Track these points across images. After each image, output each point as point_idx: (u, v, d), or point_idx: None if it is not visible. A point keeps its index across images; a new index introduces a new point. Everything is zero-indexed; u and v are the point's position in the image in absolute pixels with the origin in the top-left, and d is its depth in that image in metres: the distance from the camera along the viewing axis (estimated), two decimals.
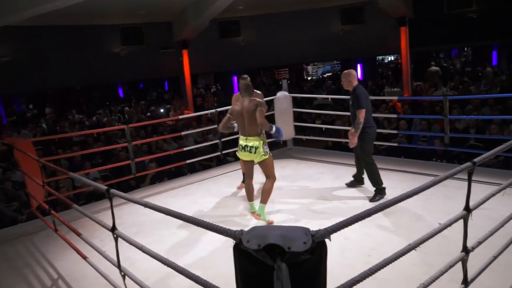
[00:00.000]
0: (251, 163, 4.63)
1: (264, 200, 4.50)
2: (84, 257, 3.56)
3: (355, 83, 4.98)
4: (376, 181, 4.94)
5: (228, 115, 4.66)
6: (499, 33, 12.43)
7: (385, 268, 1.95)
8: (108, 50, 13.29)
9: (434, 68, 14.21)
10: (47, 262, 4.19)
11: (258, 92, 5.38)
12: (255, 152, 4.43)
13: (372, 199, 4.84)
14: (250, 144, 4.44)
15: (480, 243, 2.63)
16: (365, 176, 5.24)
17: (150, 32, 13.53)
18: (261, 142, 4.45)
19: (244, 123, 4.47)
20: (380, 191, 4.92)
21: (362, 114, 4.79)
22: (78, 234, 3.63)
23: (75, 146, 8.91)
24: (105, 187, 2.85)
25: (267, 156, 4.47)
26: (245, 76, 5.18)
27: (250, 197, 4.70)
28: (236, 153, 4.74)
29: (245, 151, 4.50)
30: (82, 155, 7.90)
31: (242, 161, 4.78)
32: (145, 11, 12.26)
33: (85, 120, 12.70)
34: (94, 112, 13.85)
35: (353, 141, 4.89)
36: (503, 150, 2.83)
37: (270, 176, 4.55)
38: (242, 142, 4.53)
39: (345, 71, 5.15)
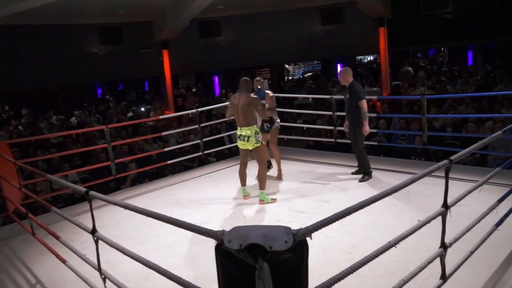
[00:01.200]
0: (247, 151, 5.15)
1: (262, 186, 5.03)
2: (63, 261, 3.49)
3: (351, 79, 5.57)
4: (365, 165, 5.64)
5: (229, 104, 5.26)
6: (473, 33, 12.73)
7: (366, 265, 1.98)
8: (86, 50, 13.06)
9: (406, 68, 14.58)
10: (25, 267, 4.10)
11: (270, 93, 5.84)
12: (248, 141, 4.96)
13: (361, 180, 5.57)
14: (243, 133, 4.98)
15: (457, 239, 2.70)
16: None
17: (129, 32, 13.35)
18: (253, 132, 4.95)
19: (239, 115, 4.97)
20: (368, 173, 5.63)
21: (364, 104, 5.41)
22: (57, 238, 3.56)
23: (53, 148, 8.73)
24: (84, 189, 2.81)
25: (259, 144, 4.99)
26: (258, 78, 5.97)
27: (243, 182, 5.24)
28: (237, 143, 5.26)
29: (240, 140, 5.05)
30: (60, 157, 7.75)
31: (241, 154, 5.25)
32: (123, 11, 12.10)
33: (64, 121, 12.45)
34: (71, 113, 13.61)
35: (365, 129, 5.49)
36: (479, 147, 2.90)
37: (261, 162, 5.05)
38: (238, 132, 5.06)
39: (343, 68, 5.82)
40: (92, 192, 2.75)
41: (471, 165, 6.44)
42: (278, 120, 6.09)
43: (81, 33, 12.87)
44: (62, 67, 12.49)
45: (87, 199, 2.77)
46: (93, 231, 2.85)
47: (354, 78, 5.68)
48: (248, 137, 4.94)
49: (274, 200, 5.10)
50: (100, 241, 2.83)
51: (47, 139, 9.51)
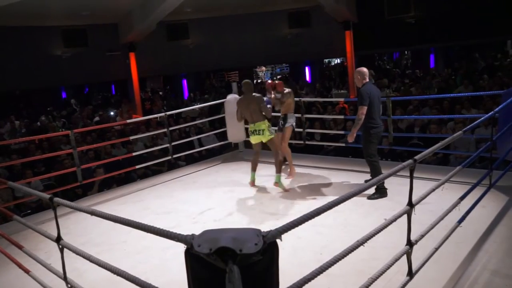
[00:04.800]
0: (260, 143, 5.63)
1: (278, 170, 5.49)
2: (27, 271, 3.36)
3: (364, 81, 4.98)
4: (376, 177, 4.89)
5: (237, 108, 5.71)
6: (434, 37, 13.24)
7: (336, 265, 2.01)
8: (49, 53, 12.65)
9: (371, 71, 14.91)
10: None
11: (287, 90, 6.04)
12: (263, 134, 5.46)
13: (369, 197, 4.84)
14: (257, 128, 5.46)
15: (422, 236, 2.78)
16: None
17: (94, 34, 13.05)
18: (266, 125, 5.45)
19: (249, 114, 5.50)
20: (380, 190, 4.86)
21: (361, 111, 4.81)
22: (20, 247, 3.42)
23: (15, 154, 8.40)
24: (48, 196, 2.72)
25: (273, 136, 5.53)
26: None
27: (254, 168, 5.76)
28: (249, 138, 5.71)
29: (254, 134, 5.52)
30: (23, 163, 7.46)
31: (254, 144, 5.72)
32: (88, 12, 11.81)
33: (28, 126, 12.00)
34: (35, 118, 13.14)
35: (350, 136, 5.01)
36: (441, 147, 3.01)
37: (277, 152, 5.53)
38: (251, 128, 5.54)
39: (357, 68, 5.17)
40: (56, 199, 2.66)
41: (434, 164, 6.66)
42: (293, 120, 5.88)
43: (44, 35, 12.47)
44: (24, 70, 12.06)
45: (52, 206, 2.68)
46: (58, 239, 2.76)
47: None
48: (263, 130, 5.41)
49: (287, 190, 5.39)
50: (65, 249, 2.75)
51: (8, 144, 9.14)
